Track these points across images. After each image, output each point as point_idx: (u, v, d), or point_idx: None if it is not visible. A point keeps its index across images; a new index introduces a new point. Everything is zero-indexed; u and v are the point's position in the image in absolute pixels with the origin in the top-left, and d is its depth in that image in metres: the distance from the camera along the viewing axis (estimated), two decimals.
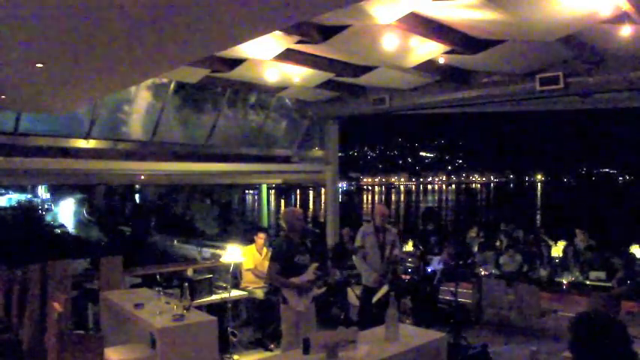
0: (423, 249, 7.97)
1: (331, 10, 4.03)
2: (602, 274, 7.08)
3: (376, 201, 75.29)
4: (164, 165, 7.94)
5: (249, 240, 7.43)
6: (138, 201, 22.63)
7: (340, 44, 5.73)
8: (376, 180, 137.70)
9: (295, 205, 44.85)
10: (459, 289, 6.99)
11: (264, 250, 7.08)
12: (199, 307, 5.56)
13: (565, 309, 6.65)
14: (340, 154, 10.53)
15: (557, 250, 8.67)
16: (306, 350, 3.37)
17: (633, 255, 7.92)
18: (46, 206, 33.28)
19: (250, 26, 3.41)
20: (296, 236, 5.13)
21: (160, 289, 5.28)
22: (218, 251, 8.37)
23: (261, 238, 7.12)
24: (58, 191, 30.32)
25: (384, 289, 5.69)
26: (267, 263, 6.71)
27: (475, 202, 72.34)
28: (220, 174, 9.08)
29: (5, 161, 6.48)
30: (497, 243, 9.26)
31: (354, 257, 6.22)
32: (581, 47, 5.84)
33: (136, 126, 7.95)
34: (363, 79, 7.47)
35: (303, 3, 3.00)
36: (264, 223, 10.73)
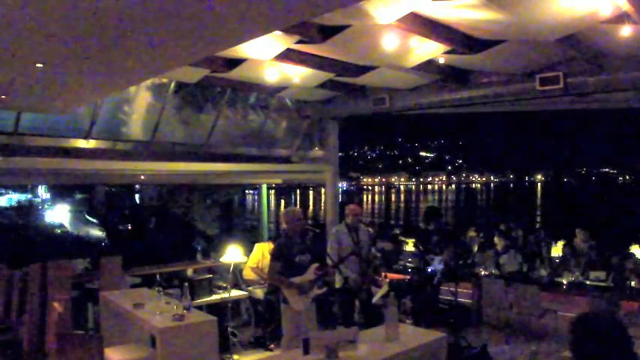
0: (423, 249, 7.97)
1: (331, 10, 4.03)
2: (602, 274, 7.07)
3: (376, 201, 75.33)
4: (164, 165, 7.93)
5: (251, 241, 7.43)
6: (138, 201, 22.62)
7: (340, 44, 5.73)
8: (376, 180, 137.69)
9: (295, 205, 44.87)
10: (459, 289, 6.99)
11: None
12: (199, 307, 5.57)
13: (565, 309, 6.65)
14: (340, 154, 10.51)
15: (557, 250, 8.67)
16: (306, 350, 3.38)
17: (633, 255, 7.92)
18: (46, 206, 33.24)
19: (250, 26, 3.40)
20: (296, 236, 5.14)
21: (160, 289, 5.29)
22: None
23: None
24: (58, 191, 30.29)
25: (385, 288, 5.70)
26: None
27: (475, 202, 72.33)
28: (220, 174, 9.07)
29: (5, 161, 6.47)
30: (496, 240, 9.26)
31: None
32: (581, 47, 5.84)
33: (136, 126, 7.94)
34: (363, 79, 7.46)
35: (303, 3, 3.00)
36: (264, 223, 10.73)
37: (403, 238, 9.74)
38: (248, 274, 7.06)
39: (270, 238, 7.64)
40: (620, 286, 6.85)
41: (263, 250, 7.05)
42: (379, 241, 8.98)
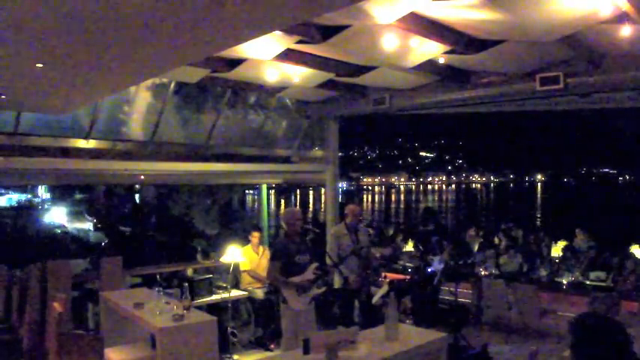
0: (423, 249, 7.97)
1: (331, 10, 4.03)
2: (602, 274, 7.08)
3: (376, 201, 75.35)
4: (164, 165, 7.93)
5: (248, 240, 7.44)
6: (138, 201, 22.59)
7: (340, 44, 5.73)
8: (376, 180, 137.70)
9: (295, 205, 44.83)
10: (459, 289, 7.00)
11: (260, 248, 7.12)
12: (199, 307, 5.57)
13: (565, 309, 6.65)
14: (340, 154, 10.51)
15: (557, 250, 8.67)
16: (306, 350, 3.37)
17: (632, 255, 7.91)
18: (46, 206, 33.21)
19: (250, 26, 3.41)
20: (296, 236, 5.14)
21: (160, 289, 5.29)
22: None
23: (255, 237, 7.17)
24: (58, 191, 30.27)
25: (385, 288, 5.70)
26: (264, 262, 6.75)
27: (475, 202, 72.30)
28: (220, 174, 9.07)
29: (5, 161, 6.48)
30: (497, 241, 9.26)
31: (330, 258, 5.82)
32: (581, 47, 5.84)
33: (136, 126, 7.93)
34: (363, 79, 7.46)
35: (303, 3, 3.00)
36: (265, 223, 10.73)
37: (401, 241, 9.76)
38: (245, 279, 7.06)
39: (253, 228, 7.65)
40: (620, 286, 6.85)
41: (249, 252, 7.07)
42: (377, 249, 8.97)
